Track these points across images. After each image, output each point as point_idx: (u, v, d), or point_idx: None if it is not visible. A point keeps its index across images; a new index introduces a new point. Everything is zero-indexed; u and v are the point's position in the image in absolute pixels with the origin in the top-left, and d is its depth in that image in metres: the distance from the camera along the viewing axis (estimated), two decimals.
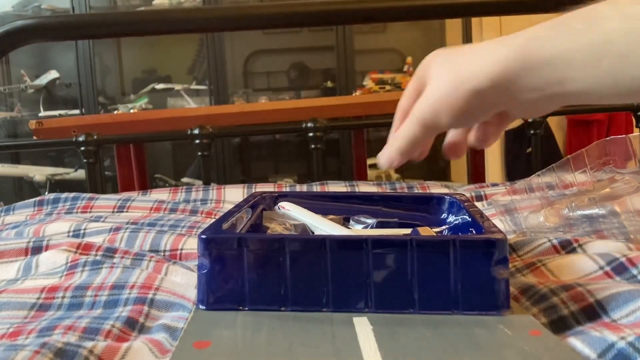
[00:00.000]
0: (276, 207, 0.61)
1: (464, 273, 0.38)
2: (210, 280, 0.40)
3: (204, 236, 0.40)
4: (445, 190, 1.00)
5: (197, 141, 1.22)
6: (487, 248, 0.38)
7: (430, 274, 0.39)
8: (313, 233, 0.54)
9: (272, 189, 1.01)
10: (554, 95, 0.37)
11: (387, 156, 0.44)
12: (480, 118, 0.42)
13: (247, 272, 0.39)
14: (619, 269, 0.45)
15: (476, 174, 1.45)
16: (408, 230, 0.53)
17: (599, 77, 0.35)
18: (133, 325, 0.41)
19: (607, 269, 0.46)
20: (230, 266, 0.40)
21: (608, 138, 0.64)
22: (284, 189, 1.07)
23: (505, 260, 0.38)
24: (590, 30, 0.35)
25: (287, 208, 0.59)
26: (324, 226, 0.54)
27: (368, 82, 3.07)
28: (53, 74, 3.03)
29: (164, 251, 0.61)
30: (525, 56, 0.37)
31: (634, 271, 0.45)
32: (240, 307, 0.39)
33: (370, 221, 0.59)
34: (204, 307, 0.40)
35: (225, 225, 0.44)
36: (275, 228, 0.55)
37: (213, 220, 0.65)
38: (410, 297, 0.39)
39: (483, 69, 0.38)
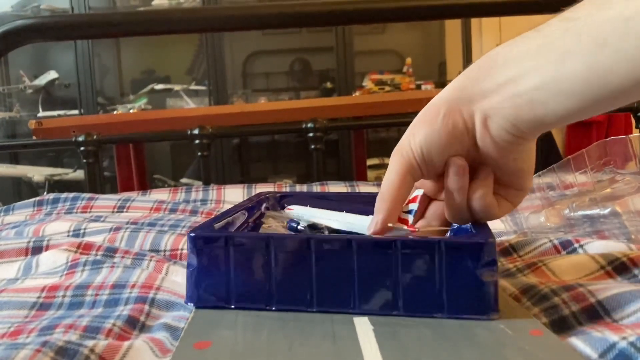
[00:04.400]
0: (284, 211, 0.60)
1: (451, 276, 0.37)
2: (197, 277, 0.40)
3: (192, 234, 0.40)
4: None
5: (197, 141, 1.22)
6: (474, 251, 0.37)
7: (416, 276, 0.37)
8: (325, 229, 0.53)
9: (272, 189, 1.00)
10: (511, 98, 0.38)
11: (374, 221, 0.41)
12: (454, 137, 0.41)
13: (233, 270, 0.39)
14: (620, 269, 0.45)
15: None
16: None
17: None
18: (134, 324, 0.41)
19: (609, 269, 0.46)
20: (216, 264, 0.39)
21: (608, 139, 0.64)
22: (284, 189, 1.06)
23: (493, 263, 0.37)
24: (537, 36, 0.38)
25: (295, 210, 0.58)
26: (336, 217, 0.52)
27: (367, 83, 3.07)
28: (52, 75, 3.02)
29: (165, 251, 0.61)
30: (482, 60, 0.40)
31: (635, 271, 0.45)
32: (226, 305, 0.39)
33: None
34: (192, 304, 0.40)
35: (218, 224, 0.44)
36: (271, 224, 0.55)
37: None
38: (395, 300, 0.37)
39: (449, 86, 0.42)
